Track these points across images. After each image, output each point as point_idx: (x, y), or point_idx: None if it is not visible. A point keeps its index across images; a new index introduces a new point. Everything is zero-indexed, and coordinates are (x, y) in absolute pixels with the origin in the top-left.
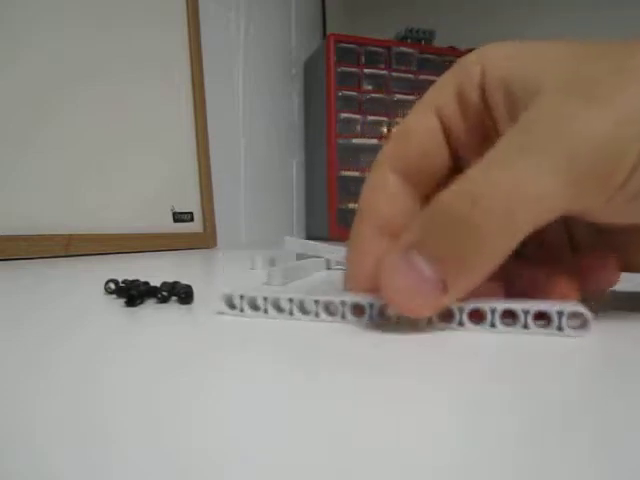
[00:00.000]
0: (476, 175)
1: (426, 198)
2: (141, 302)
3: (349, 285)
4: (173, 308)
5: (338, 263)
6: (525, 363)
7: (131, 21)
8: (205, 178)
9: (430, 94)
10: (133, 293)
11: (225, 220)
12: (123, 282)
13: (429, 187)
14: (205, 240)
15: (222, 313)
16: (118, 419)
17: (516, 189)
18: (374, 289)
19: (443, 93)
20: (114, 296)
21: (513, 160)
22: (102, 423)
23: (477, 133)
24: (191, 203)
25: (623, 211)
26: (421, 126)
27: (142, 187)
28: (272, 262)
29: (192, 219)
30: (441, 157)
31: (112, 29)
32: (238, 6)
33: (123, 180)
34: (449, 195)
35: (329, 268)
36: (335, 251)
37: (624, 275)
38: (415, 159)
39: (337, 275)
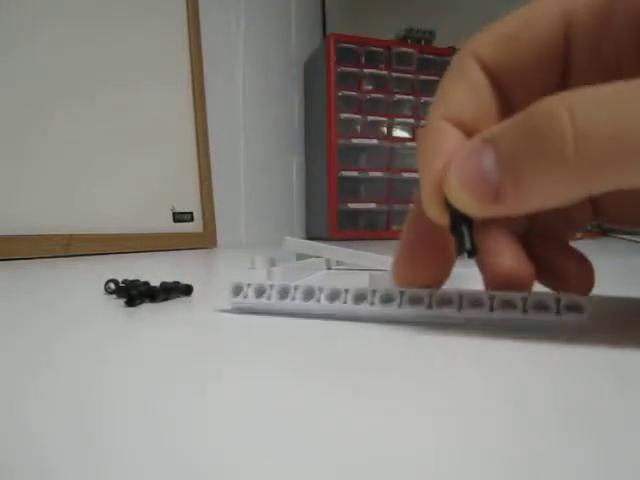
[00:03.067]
0: (595, 97)
1: (509, 106)
2: (141, 302)
3: (424, 182)
4: (173, 308)
5: (338, 263)
6: (531, 368)
7: (131, 21)
8: (205, 178)
9: None
10: (133, 293)
11: (225, 220)
12: (123, 282)
13: (521, 95)
14: (205, 240)
15: (223, 311)
16: (118, 419)
17: (631, 133)
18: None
19: None
20: (114, 296)
21: None
22: (102, 423)
23: (602, 56)
24: (191, 203)
25: None
26: (543, 21)
27: (142, 187)
28: (272, 262)
29: (192, 219)
30: (553, 67)
31: (112, 30)
32: (238, 6)
33: (123, 180)
34: (554, 102)
35: (329, 268)
36: (335, 251)
37: (628, 279)
38: (520, 57)
39: (339, 274)
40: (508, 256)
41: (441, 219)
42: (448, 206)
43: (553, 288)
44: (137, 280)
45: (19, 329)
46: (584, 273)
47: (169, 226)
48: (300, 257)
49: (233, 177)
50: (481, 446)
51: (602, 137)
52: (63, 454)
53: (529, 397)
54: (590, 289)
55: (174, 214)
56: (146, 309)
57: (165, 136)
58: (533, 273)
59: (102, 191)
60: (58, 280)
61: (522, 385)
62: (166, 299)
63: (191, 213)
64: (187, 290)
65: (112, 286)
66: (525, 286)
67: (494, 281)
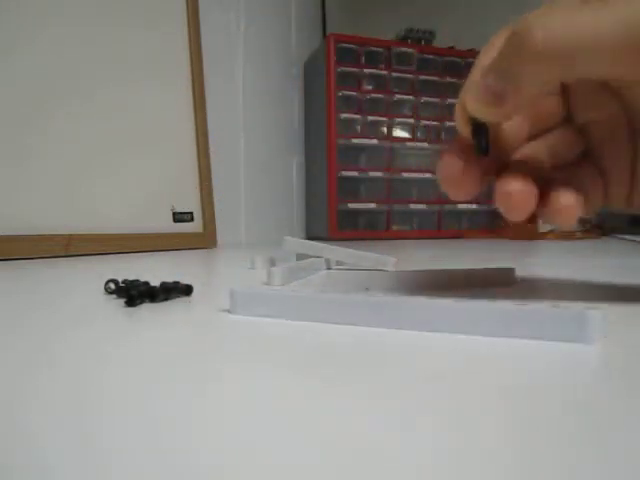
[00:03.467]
0: (553, 6)
1: None
2: (141, 302)
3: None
4: (173, 308)
5: (338, 263)
6: (538, 371)
7: (131, 21)
8: (205, 178)
9: None
10: (133, 293)
11: (225, 220)
12: (123, 282)
13: None
14: (205, 240)
15: (224, 311)
16: (118, 419)
17: (583, 24)
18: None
19: None
20: (114, 296)
21: (589, 8)
22: (102, 423)
23: None
24: (191, 203)
25: None
26: None
27: (142, 187)
28: (272, 262)
29: (192, 219)
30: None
31: (112, 30)
32: (238, 6)
33: (123, 180)
34: (525, 20)
35: (329, 268)
36: (335, 251)
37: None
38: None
39: (339, 273)
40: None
41: (465, 129)
42: (470, 120)
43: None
44: (137, 280)
45: (19, 329)
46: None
47: (169, 226)
48: (300, 257)
49: (233, 177)
50: (481, 446)
51: (559, 40)
52: (62, 454)
53: (529, 397)
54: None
55: (174, 214)
56: (146, 309)
57: (165, 136)
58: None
59: (102, 191)
60: (58, 280)
61: (522, 385)
62: (166, 299)
63: (191, 213)
64: (187, 290)
65: (112, 286)
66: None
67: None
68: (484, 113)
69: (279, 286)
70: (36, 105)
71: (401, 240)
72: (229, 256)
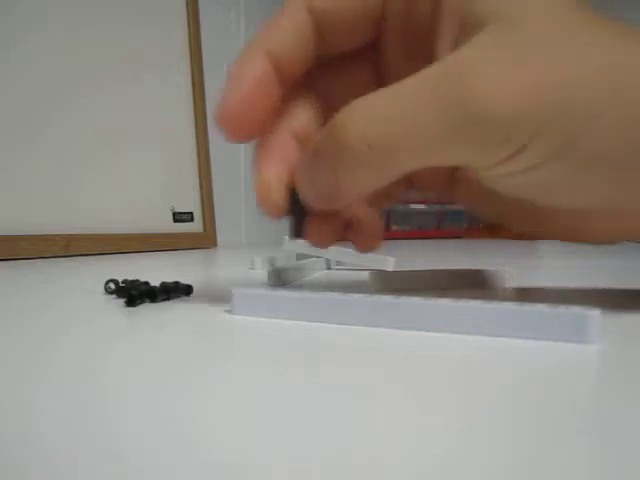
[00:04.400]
0: (369, 103)
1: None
2: (141, 302)
3: (221, 112)
4: (173, 308)
5: (338, 263)
6: (537, 372)
7: (131, 21)
8: (205, 178)
9: None
10: (133, 293)
11: (225, 220)
12: (123, 282)
13: (337, 41)
14: (205, 240)
15: (224, 311)
16: (117, 419)
17: (397, 131)
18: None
19: None
20: (114, 296)
21: (406, 100)
22: (102, 423)
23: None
24: (191, 203)
25: (512, 183)
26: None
27: (142, 187)
28: (272, 262)
29: (192, 219)
30: (369, 25)
31: (112, 29)
32: (238, 6)
33: (123, 180)
34: (342, 116)
35: (329, 268)
36: (335, 251)
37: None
38: (343, 10)
39: (337, 274)
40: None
41: (280, 199)
42: (291, 195)
43: (351, 239)
44: (137, 280)
45: (19, 329)
46: (375, 231)
47: (169, 226)
48: (300, 257)
49: (233, 177)
50: (480, 447)
51: (380, 139)
52: (62, 454)
53: (528, 397)
54: (376, 244)
55: (174, 214)
56: (146, 309)
57: (165, 136)
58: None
59: (102, 191)
60: (58, 280)
61: (521, 385)
62: (166, 299)
63: (191, 213)
64: (187, 290)
65: (112, 286)
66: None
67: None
68: (314, 204)
69: (279, 286)
70: (35, 105)
71: (401, 240)
72: (229, 256)
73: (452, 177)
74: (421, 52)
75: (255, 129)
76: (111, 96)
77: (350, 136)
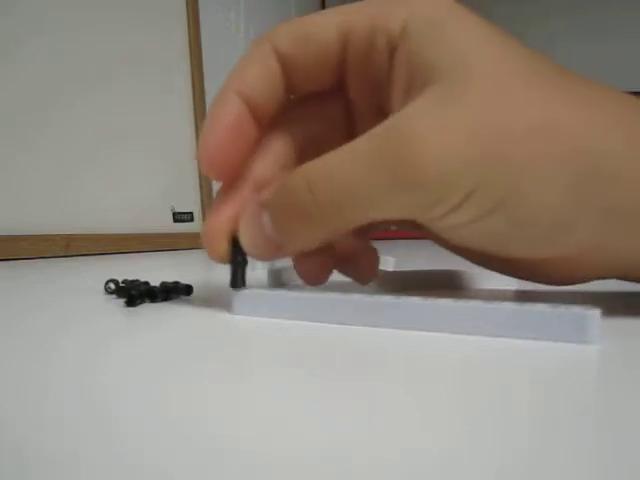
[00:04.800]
0: (321, 163)
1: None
2: (141, 302)
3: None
4: (173, 308)
5: None
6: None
7: (131, 21)
8: (205, 178)
9: (349, 12)
10: (133, 293)
11: None
12: (123, 282)
13: (303, 84)
14: None
15: (224, 311)
16: (118, 419)
17: (348, 185)
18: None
19: (360, 20)
20: (114, 296)
21: (354, 158)
22: (102, 423)
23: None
24: (191, 203)
25: (458, 234)
26: (325, 32)
27: (142, 187)
28: (272, 262)
29: (192, 219)
30: (331, 70)
31: (112, 30)
32: (238, 6)
33: (123, 180)
34: (295, 175)
35: None
36: None
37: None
38: (306, 57)
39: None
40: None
41: (220, 246)
42: (233, 244)
43: (349, 274)
44: (137, 280)
45: (19, 329)
46: (370, 261)
47: (169, 226)
48: None
49: None
50: (480, 446)
51: (326, 195)
52: (62, 454)
53: (528, 397)
54: (373, 274)
55: (174, 214)
56: (146, 309)
57: (165, 136)
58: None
59: (102, 191)
60: (58, 280)
61: (521, 385)
62: (166, 299)
63: (191, 213)
64: (187, 290)
65: (112, 286)
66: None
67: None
68: (257, 255)
69: (279, 286)
70: (35, 105)
71: (401, 240)
72: None
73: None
74: (381, 99)
75: (233, 168)
76: (111, 96)
77: (301, 194)
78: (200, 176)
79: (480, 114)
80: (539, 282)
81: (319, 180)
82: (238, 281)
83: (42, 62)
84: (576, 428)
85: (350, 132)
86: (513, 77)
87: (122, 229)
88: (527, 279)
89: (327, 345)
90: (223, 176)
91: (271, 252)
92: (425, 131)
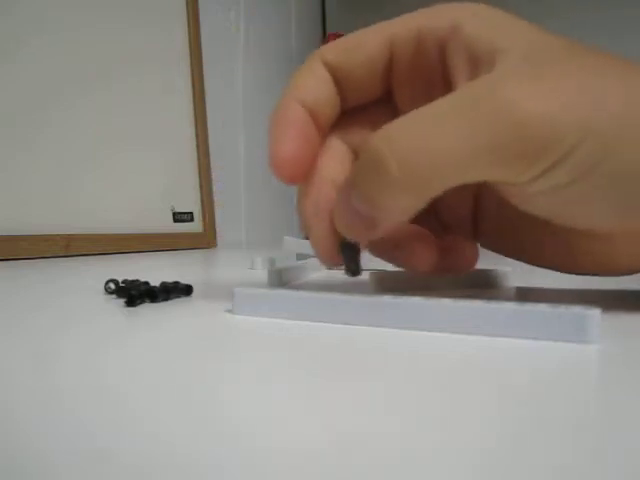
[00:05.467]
0: (403, 125)
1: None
2: (141, 302)
3: (274, 158)
4: (173, 308)
5: None
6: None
7: (131, 21)
8: (205, 178)
9: (394, 23)
10: (133, 293)
11: (225, 220)
12: (123, 282)
13: (354, 93)
14: (205, 240)
15: (224, 311)
16: (118, 419)
17: (436, 149)
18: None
19: (405, 26)
20: (114, 296)
21: (442, 120)
22: (102, 423)
23: (421, 74)
24: (191, 203)
25: (543, 201)
26: (373, 42)
27: (142, 187)
28: (272, 262)
29: (192, 219)
30: (378, 78)
31: (112, 29)
32: (238, 6)
33: (123, 180)
34: (375, 139)
35: (329, 268)
36: None
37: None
38: (354, 67)
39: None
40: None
41: (332, 247)
42: (340, 236)
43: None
44: (137, 280)
45: (19, 329)
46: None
47: (169, 226)
48: (300, 257)
49: (233, 177)
50: (481, 446)
51: (414, 164)
52: (61, 454)
53: (529, 397)
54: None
55: (174, 214)
56: (146, 309)
57: (165, 136)
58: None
59: (102, 191)
60: (58, 280)
61: (522, 385)
62: (166, 299)
63: (191, 213)
64: (187, 290)
65: (112, 286)
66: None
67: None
68: (356, 237)
69: (279, 286)
70: (35, 105)
71: None
72: (229, 256)
73: (477, 211)
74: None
75: (305, 172)
76: (111, 96)
77: (386, 158)
78: (200, 176)
79: (571, 79)
80: (599, 273)
81: (404, 151)
82: (353, 268)
83: (42, 62)
84: (576, 428)
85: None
86: (575, 51)
87: (122, 229)
88: (587, 271)
89: (327, 345)
90: (298, 181)
91: (368, 230)
92: (523, 84)
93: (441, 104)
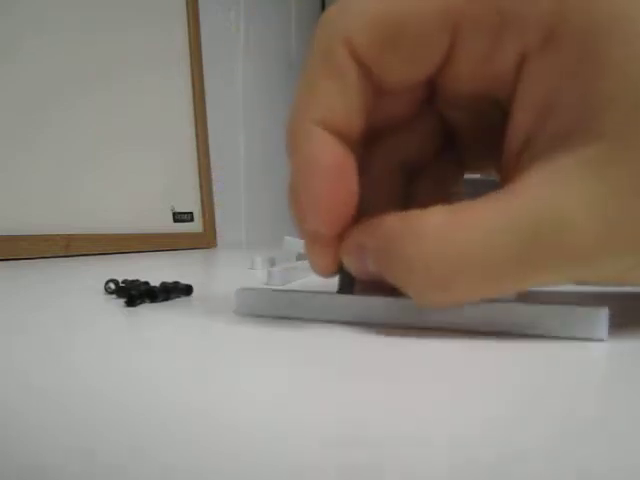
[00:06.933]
0: (436, 220)
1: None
2: (141, 302)
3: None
4: (173, 308)
5: None
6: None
7: (131, 21)
8: (205, 178)
9: None
10: (133, 293)
11: (225, 220)
12: (123, 282)
13: (392, 82)
14: (205, 240)
15: (224, 311)
16: (118, 419)
17: (481, 266)
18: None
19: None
20: (114, 296)
21: (494, 237)
22: (102, 423)
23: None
24: (191, 203)
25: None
26: (430, 19)
27: (142, 187)
28: (272, 262)
29: (192, 219)
30: (429, 67)
31: (112, 29)
32: (238, 6)
33: (123, 180)
34: (400, 226)
35: None
36: None
37: None
38: (401, 55)
39: None
40: None
41: (331, 265)
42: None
43: None
44: (137, 280)
45: (19, 329)
46: None
47: (169, 226)
48: (300, 257)
49: (233, 177)
50: (485, 446)
51: (439, 262)
52: (61, 454)
53: (539, 396)
54: None
55: (174, 214)
56: (146, 309)
57: (165, 136)
58: None
59: (102, 191)
60: (58, 280)
61: (530, 384)
62: (166, 299)
63: (191, 213)
64: (187, 290)
65: (112, 286)
66: None
67: None
68: (362, 277)
69: (279, 286)
70: (35, 105)
71: None
72: (229, 256)
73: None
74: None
75: (347, 215)
76: (111, 96)
77: (409, 254)
78: (200, 176)
79: None
80: None
81: (436, 243)
82: (345, 289)
83: (42, 62)
84: (584, 426)
85: (446, 146)
86: None
87: (122, 229)
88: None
89: (327, 345)
90: (341, 226)
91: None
92: (580, 213)
93: (495, 217)
